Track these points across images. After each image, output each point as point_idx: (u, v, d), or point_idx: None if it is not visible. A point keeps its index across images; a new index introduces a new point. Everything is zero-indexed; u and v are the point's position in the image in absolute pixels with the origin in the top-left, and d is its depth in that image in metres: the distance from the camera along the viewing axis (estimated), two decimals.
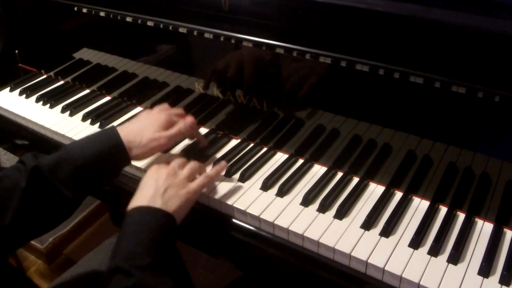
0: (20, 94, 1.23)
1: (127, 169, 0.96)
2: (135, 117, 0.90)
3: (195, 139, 0.97)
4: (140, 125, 0.86)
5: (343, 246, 0.74)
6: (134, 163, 0.94)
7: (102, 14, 1.07)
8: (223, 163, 0.88)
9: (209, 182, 0.84)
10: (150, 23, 1.00)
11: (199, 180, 0.81)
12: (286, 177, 0.89)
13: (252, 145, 0.99)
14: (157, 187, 0.76)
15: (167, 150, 0.98)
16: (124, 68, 1.14)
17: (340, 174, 0.90)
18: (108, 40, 1.16)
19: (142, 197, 0.75)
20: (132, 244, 0.69)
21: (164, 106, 0.94)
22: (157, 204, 0.74)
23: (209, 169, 0.87)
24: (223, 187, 0.87)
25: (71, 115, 1.13)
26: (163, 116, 0.88)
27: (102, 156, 0.80)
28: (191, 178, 0.81)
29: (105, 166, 0.81)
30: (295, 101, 0.91)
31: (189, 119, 0.92)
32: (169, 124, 0.88)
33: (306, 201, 0.83)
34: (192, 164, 0.84)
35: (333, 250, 0.74)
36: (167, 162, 0.84)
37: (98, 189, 0.83)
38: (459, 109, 0.74)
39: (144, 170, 0.93)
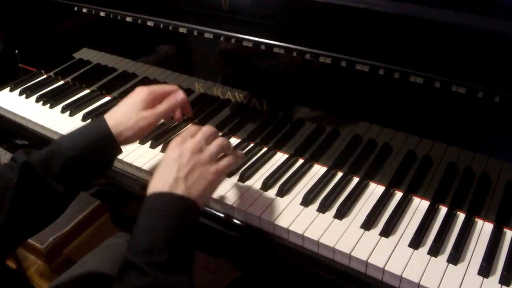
0: (20, 94, 1.23)
1: (127, 169, 0.96)
2: (121, 101, 0.86)
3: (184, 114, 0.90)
4: (125, 107, 0.82)
5: (343, 246, 0.74)
6: (135, 162, 0.94)
7: (102, 14, 1.07)
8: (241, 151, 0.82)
9: (237, 163, 0.78)
10: (150, 23, 1.00)
11: (228, 159, 0.74)
12: (286, 177, 0.89)
13: (252, 145, 0.99)
14: (180, 167, 0.69)
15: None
16: (124, 68, 1.14)
17: (340, 174, 0.90)
18: (108, 40, 1.16)
19: (163, 180, 0.68)
20: (150, 236, 0.63)
21: (150, 87, 0.87)
22: (180, 189, 0.67)
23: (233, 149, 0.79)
24: (223, 187, 0.87)
25: (71, 115, 1.13)
26: (146, 92, 0.83)
27: (91, 146, 0.77)
28: (218, 155, 0.74)
29: (96, 156, 0.78)
30: (295, 101, 0.91)
31: (179, 93, 0.86)
32: (155, 98, 0.84)
33: (306, 201, 0.83)
34: (220, 140, 0.75)
35: (333, 250, 0.74)
36: (192, 133, 0.75)
37: (90, 181, 0.81)
38: (459, 109, 0.74)
39: (144, 171, 0.93)
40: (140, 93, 0.83)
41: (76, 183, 0.78)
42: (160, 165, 0.72)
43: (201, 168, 0.70)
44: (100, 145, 0.79)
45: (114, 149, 0.81)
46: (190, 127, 0.77)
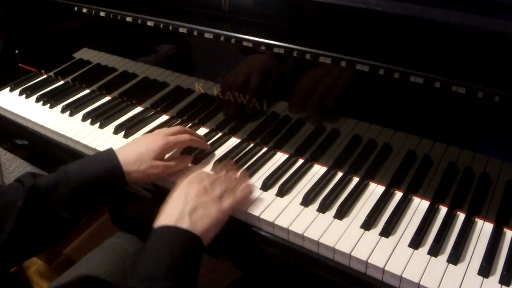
0: (20, 94, 1.23)
1: None
2: (134, 140, 0.90)
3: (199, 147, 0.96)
4: (139, 150, 0.85)
5: (343, 246, 0.74)
6: None
7: (102, 14, 1.07)
8: (251, 184, 0.85)
9: (241, 202, 0.81)
10: (150, 23, 1.00)
11: (231, 200, 0.78)
12: (286, 177, 0.89)
13: (252, 145, 0.99)
14: (185, 205, 0.73)
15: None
16: (124, 68, 1.14)
17: (340, 174, 0.90)
18: (108, 40, 1.16)
19: (169, 215, 0.73)
20: (153, 265, 0.67)
21: (163, 130, 0.93)
22: (185, 224, 0.71)
23: (239, 189, 0.82)
24: None
25: (71, 115, 1.13)
26: (162, 142, 0.87)
27: (100, 178, 0.80)
28: (222, 196, 0.78)
29: (103, 189, 0.81)
30: (295, 101, 0.91)
31: (183, 138, 0.91)
32: (168, 149, 0.88)
33: (306, 201, 0.83)
34: (225, 183, 0.80)
35: (333, 250, 0.74)
36: (199, 177, 0.80)
37: (95, 210, 0.82)
38: (459, 109, 0.74)
39: None
40: (157, 142, 0.87)
41: (81, 210, 0.79)
42: (168, 201, 0.76)
43: (206, 208, 0.74)
44: (109, 179, 0.81)
45: (121, 183, 0.83)
46: (199, 172, 0.84)
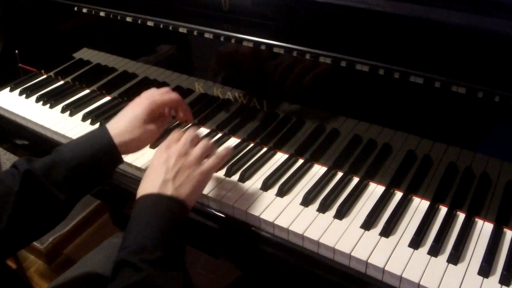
0: (20, 94, 1.23)
1: (127, 169, 0.96)
2: (122, 111, 0.87)
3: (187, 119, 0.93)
4: (128, 118, 0.83)
5: (343, 246, 0.74)
6: (135, 162, 0.94)
7: (102, 14, 1.07)
8: (229, 146, 0.83)
9: (221, 162, 0.80)
10: (150, 23, 1.00)
11: (212, 160, 0.77)
12: (286, 177, 0.89)
13: (252, 145, 0.99)
14: (168, 170, 0.72)
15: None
16: (124, 68, 1.14)
17: (340, 174, 0.90)
18: (108, 40, 1.16)
19: (152, 182, 0.72)
20: (142, 236, 0.66)
21: (149, 91, 0.89)
22: (168, 190, 0.70)
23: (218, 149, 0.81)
24: (223, 187, 0.87)
25: (71, 115, 1.13)
26: (147, 103, 0.84)
27: (94, 156, 0.78)
28: (203, 157, 0.77)
29: (98, 167, 0.79)
30: (295, 101, 0.91)
31: (174, 97, 0.88)
32: (156, 109, 0.85)
33: (306, 201, 0.83)
34: (205, 142, 0.79)
35: (333, 250, 0.74)
36: (177, 138, 0.79)
37: (92, 190, 0.82)
38: (459, 109, 0.74)
39: (144, 170, 0.93)
40: (143, 104, 0.84)
41: (78, 191, 0.79)
42: (148, 169, 0.75)
43: (188, 170, 0.74)
44: (102, 155, 0.80)
45: (116, 159, 0.82)
46: (174, 133, 0.81)
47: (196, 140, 0.80)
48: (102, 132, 0.82)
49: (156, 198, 0.70)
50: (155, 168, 0.75)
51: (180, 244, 0.69)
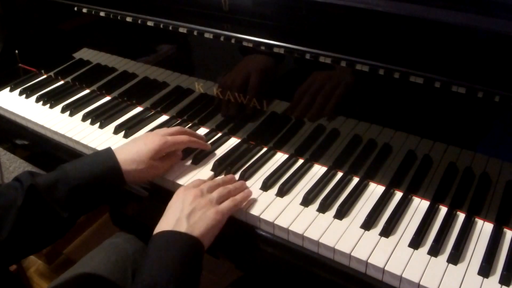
0: (20, 94, 1.23)
1: None
2: (132, 140, 0.90)
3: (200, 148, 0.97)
4: (137, 149, 0.85)
5: (343, 246, 0.74)
6: None
7: (102, 14, 1.07)
8: (248, 191, 0.84)
9: (238, 206, 0.81)
10: (150, 23, 1.00)
11: (228, 202, 0.79)
12: (286, 177, 0.89)
13: (252, 145, 0.99)
14: (183, 209, 0.75)
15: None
16: (124, 68, 1.14)
17: (340, 174, 0.90)
18: (108, 40, 1.16)
19: (168, 220, 0.74)
20: (155, 272, 0.67)
21: (162, 129, 0.93)
22: (183, 227, 0.72)
23: (237, 193, 0.83)
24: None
25: (71, 115, 1.13)
26: (160, 141, 0.87)
27: (98, 178, 0.80)
28: (219, 201, 0.79)
29: (101, 188, 0.81)
30: (295, 102, 0.91)
31: (182, 139, 0.91)
32: (166, 148, 0.88)
33: (306, 201, 0.83)
34: (222, 189, 0.81)
35: (333, 250, 0.74)
36: (195, 183, 0.83)
37: (93, 209, 0.83)
38: (459, 109, 0.74)
39: None
40: (155, 142, 0.87)
41: (80, 209, 0.80)
42: (166, 209, 0.77)
43: (203, 210, 0.75)
44: (107, 179, 0.81)
45: (120, 182, 0.83)
46: (196, 180, 0.85)
47: (214, 187, 0.82)
48: (109, 155, 0.83)
49: (169, 235, 0.72)
50: (172, 207, 0.77)
51: (194, 280, 0.70)
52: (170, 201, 0.79)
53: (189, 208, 0.75)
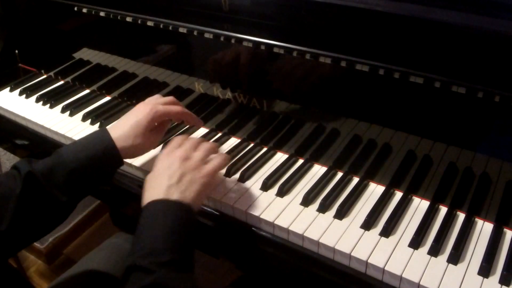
0: (20, 94, 1.23)
1: (127, 169, 0.96)
2: (125, 115, 0.88)
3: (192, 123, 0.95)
4: (130, 123, 0.84)
5: (343, 246, 0.74)
6: (135, 162, 0.94)
7: (102, 14, 1.07)
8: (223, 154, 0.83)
9: (224, 162, 0.80)
10: (150, 23, 1.00)
11: (215, 161, 0.78)
12: (286, 177, 0.89)
13: (252, 145, 0.99)
14: (171, 175, 0.73)
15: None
16: (124, 68, 1.14)
17: (340, 174, 0.90)
18: (108, 40, 1.16)
19: (157, 189, 0.72)
20: (151, 240, 0.66)
21: (153, 98, 0.90)
22: (174, 195, 0.71)
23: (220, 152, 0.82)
24: (223, 187, 0.87)
25: (71, 115, 1.13)
26: (151, 110, 0.85)
27: (95, 159, 0.79)
28: (205, 159, 0.78)
29: (99, 169, 0.80)
30: (295, 101, 0.91)
31: (176, 109, 0.88)
32: (158, 118, 0.86)
33: (306, 201, 0.83)
34: (206, 145, 0.80)
35: (333, 250, 0.74)
36: (179, 144, 0.80)
37: (92, 191, 0.82)
38: (459, 109, 0.74)
39: (144, 171, 0.93)
40: (145, 111, 0.85)
41: (79, 193, 0.79)
42: (151, 176, 0.76)
43: (191, 173, 0.74)
44: (104, 159, 0.80)
45: (117, 161, 0.82)
46: (176, 139, 0.82)
47: (197, 144, 0.80)
48: (103, 134, 0.82)
49: (162, 204, 0.71)
50: (159, 174, 0.75)
51: (190, 246, 0.70)
52: (155, 165, 0.77)
53: (178, 173, 0.73)
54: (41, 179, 0.75)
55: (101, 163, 0.80)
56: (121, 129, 0.83)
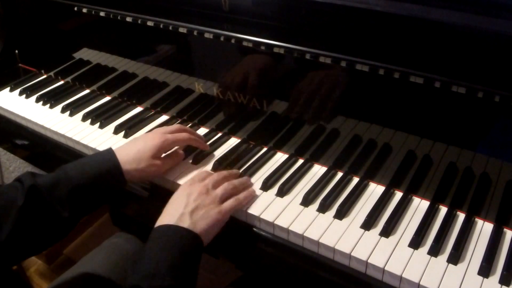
0: (20, 94, 1.23)
1: None
2: (133, 139, 0.91)
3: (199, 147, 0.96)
4: (137, 148, 0.86)
5: (343, 246, 0.74)
6: None
7: (102, 14, 1.07)
8: (252, 190, 0.85)
9: (241, 206, 0.82)
10: (150, 23, 1.00)
11: (231, 202, 0.80)
12: (286, 177, 0.89)
13: (252, 145, 0.99)
14: (187, 205, 0.75)
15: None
16: (124, 68, 1.14)
17: (340, 174, 0.90)
18: (108, 40, 1.16)
19: (171, 215, 0.74)
20: (154, 263, 0.68)
21: (161, 128, 0.94)
22: (185, 223, 0.73)
23: (241, 192, 0.83)
24: None
25: (71, 115, 1.13)
26: (160, 139, 0.88)
27: (99, 178, 0.80)
28: (223, 198, 0.80)
29: (102, 188, 0.81)
30: (295, 101, 0.91)
31: (183, 137, 0.91)
32: (166, 147, 0.89)
33: (306, 201, 0.83)
34: (227, 185, 0.82)
35: (333, 250, 0.74)
36: (202, 178, 0.83)
37: (95, 209, 0.83)
38: (459, 109, 0.74)
39: None
40: (155, 140, 0.87)
41: (81, 209, 0.80)
42: (170, 202, 0.78)
43: (206, 208, 0.76)
44: (108, 179, 0.82)
45: (120, 182, 0.83)
46: (201, 172, 0.86)
47: (220, 182, 0.82)
48: (109, 155, 0.84)
49: (172, 229, 0.72)
50: (176, 202, 0.77)
51: (192, 275, 0.71)
52: (175, 193, 0.79)
53: (194, 204, 0.75)
54: (44, 193, 0.76)
55: (105, 182, 0.81)
56: (128, 152, 0.85)
